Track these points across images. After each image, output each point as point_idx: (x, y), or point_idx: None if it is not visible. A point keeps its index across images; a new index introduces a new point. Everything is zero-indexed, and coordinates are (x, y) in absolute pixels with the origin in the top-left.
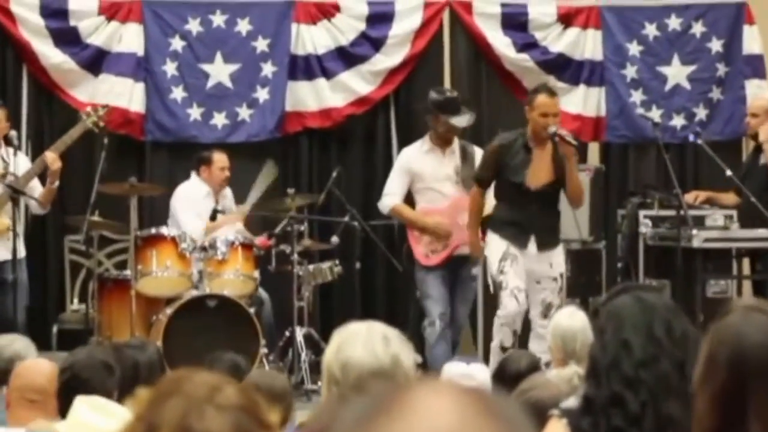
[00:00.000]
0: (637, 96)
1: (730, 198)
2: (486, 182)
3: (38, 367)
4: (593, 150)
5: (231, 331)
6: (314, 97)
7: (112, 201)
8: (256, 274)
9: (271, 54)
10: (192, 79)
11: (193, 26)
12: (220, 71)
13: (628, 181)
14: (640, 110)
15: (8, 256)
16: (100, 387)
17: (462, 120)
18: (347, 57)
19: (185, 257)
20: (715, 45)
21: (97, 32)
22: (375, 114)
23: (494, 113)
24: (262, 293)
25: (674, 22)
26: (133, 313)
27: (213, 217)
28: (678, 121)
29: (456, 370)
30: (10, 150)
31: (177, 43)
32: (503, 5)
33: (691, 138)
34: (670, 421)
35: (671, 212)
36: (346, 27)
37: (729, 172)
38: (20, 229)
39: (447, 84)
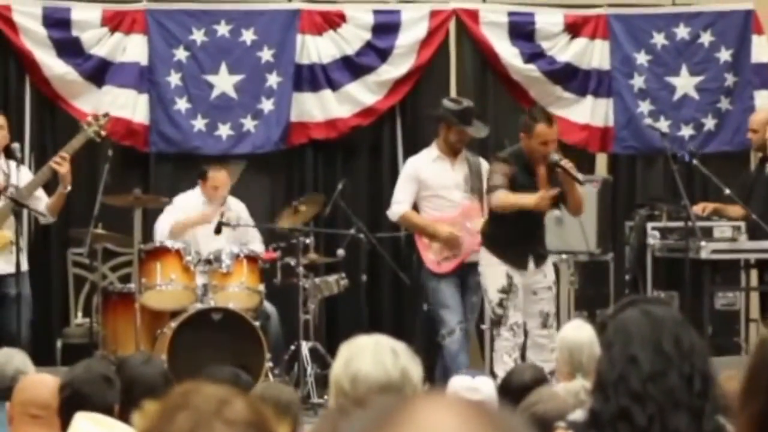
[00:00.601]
0: (645, 106)
1: (738, 210)
2: (507, 188)
3: (42, 382)
4: (601, 161)
5: (236, 345)
6: (320, 108)
7: (116, 213)
8: (262, 287)
9: (276, 64)
10: (196, 90)
11: (198, 36)
12: (224, 82)
13: (636, 192)
14: (648, 121)
15: (11, 270)
16: (101, 401)
17: (478, 131)
18: (353, 67)
19: (189, 270)
20: (724, 55)
21: (101, 43)
22: (381, 125)
23: (501, 123)
24: (268, 306)
25: (682, 32)
26: (138, 327)
27: (218, 230)
28: (686, 132)
29: (461, 383)
30: (12, 163)
31: (181, 54)
32: (510, 14)
33: (686, 158)
34: None
35: (679, 224)
36: (352, 37)
37: (728, 191)
38: (23, 242)
39: (453, 94)
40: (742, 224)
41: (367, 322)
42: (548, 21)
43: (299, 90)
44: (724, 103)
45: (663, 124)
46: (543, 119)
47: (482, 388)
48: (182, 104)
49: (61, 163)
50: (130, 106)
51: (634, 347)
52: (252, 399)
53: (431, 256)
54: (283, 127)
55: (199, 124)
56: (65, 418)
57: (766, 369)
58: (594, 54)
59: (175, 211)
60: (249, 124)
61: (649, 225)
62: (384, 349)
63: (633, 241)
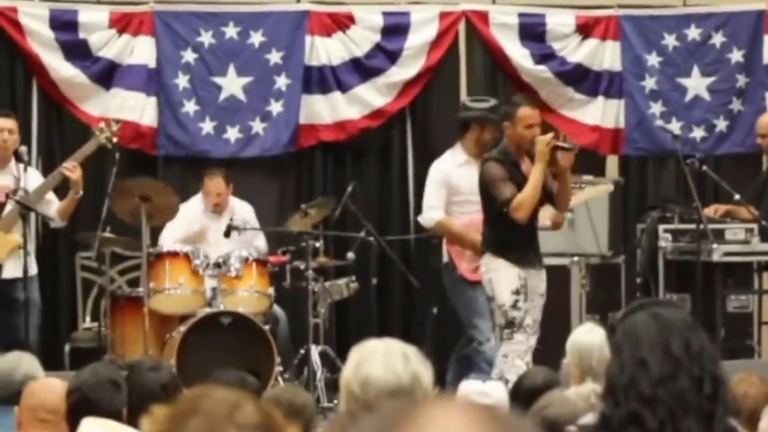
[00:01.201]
0: (656, 108)
1: (750, 211)
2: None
3: (50, 387)
4: (612, 163)
5: (245, 349)
6: (329, 109)
7: None
8: (271, 290)
9: (284, 66)
10: (204, 92)
11: (206, 38)
12: (232, 84)
13: (648, 194)
14: (659, 122)
15: (19, 274)
16: (108, 405)
17: None
18: (362, 69)
19: (198, 274)
20: (735, 55)
21: (108, 45)
22: (390, 127)
23: None
24: (277, 310)
25: (693, 33)
26: (146, 331)
27: (227, 234)
28: (698, 133)
29: (472, 387)
30: (20, 166)
31: (189, 56)
32: (520, 15)
33: (696, 164)
34: None
35: (691, 226)
36: (361, 39)
37: (737, 196)
38: (31, 246)
39: (463, 96)
40: (755, 226)
41: (377, 326)
42: (559, 22)
43: (308, 92)
44: (736, 104)
45: (675, 126)
46: (524, 103)
47: (493, 392)
48: (190, 107)
49: (73, 171)
50: (138, 108)
51: (644, 351)
52: (262, 402)
53: (465, 264)
54: (292, 129)
55: (208, 126)
56: (72, 423)
57: None
58: (605, 55)
59: (177, 221)
60: (258, 126)
61: (661, 227)
62: (395, 353)
63: (644, 244)
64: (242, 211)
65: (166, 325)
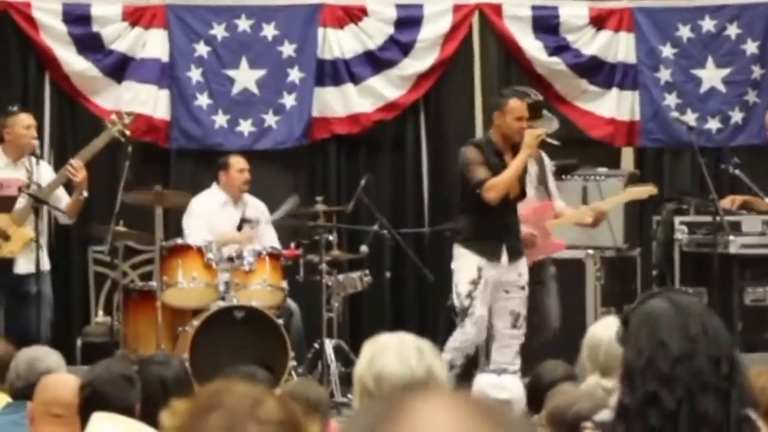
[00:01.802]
0: (671, 99)
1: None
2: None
3: (64, 382)
4: (627, 155)
5: (259, 343)
6: (342, 102)
7: (137, 211)
8: (284, 284)
9: (297, 59)
10: (217, 86)
11: (218, 31)
12: (245, 77)
13: (663, 186)
14: (674, 114)
15: (32, 269)
16: (120, 400)
17: (552, 124)
18: (375, 61)
19: (211, 268)
20: (750, 47)
21: (121, 38)
22: (404, 120)
23: None
24: (291, 304)
25: (708, 24)
26: (159, 325)
27: (240, 227)
28: (713, 125)
29: (488, 381)
30: (32, 160)
31: (202, 49)
32: (534, 8)
33: (731, 169)
34: (705, 418)
35: (707, 218)
36: (374, 31)
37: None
38: (44, 240)
39: (477, 89)
40: None
41: (390, 319)
42: (572, 14)
43: (321, 85)
44: (752, 96)
45: (690, 117)
46: (514, 95)
47: (509, 385)
48: (203, 100)
49: (76, 172)
50: (150, 102)
51: (662, 333)
52: (283, 398)
53: None
54: (305, 122)
55: (221, 120)
56: (85, 418)
57: None
58: (619, 47)
59: (200, 217)
60: (271, 119)
61: (677, 219)
62: (409, 347)
63: (660, 236)
64: (256, 208)
65: (178, 319)
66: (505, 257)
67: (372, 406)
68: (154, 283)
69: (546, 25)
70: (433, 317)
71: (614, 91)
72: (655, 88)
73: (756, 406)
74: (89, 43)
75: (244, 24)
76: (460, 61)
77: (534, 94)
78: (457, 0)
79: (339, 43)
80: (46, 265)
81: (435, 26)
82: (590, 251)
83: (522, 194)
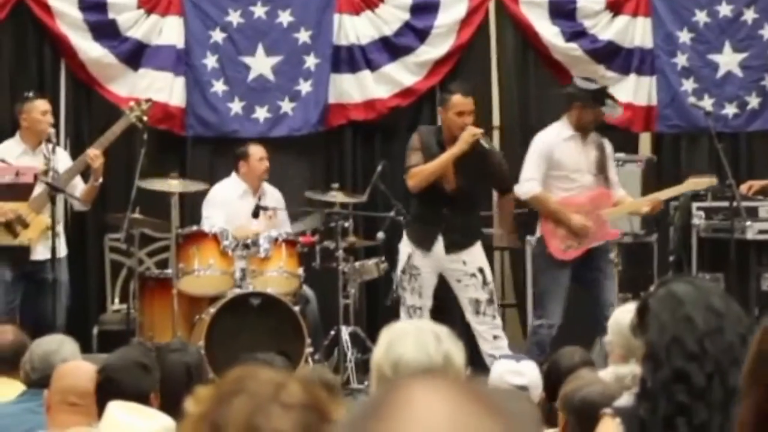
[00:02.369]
0: (688, 84)
1: None
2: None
3: (80, 370)
4: (644, 140)
5: (275, 330)
6: (358, 88)
7: (153, 198)
8: (301, 271)
9: (313, 46)
10: (233, 72)
11: (234, 18)
12: (261, 64)
13: (681, 171)
14: (691, 99)
15: (48, 256)
16: (135, 388)
17: (615, 111)
18: (391, 48)
19: (227, 255)
20: (767, 32)
21: (137, 25)
22: (420, 106)
23: (542, 104)
24: (307, 291)
25: (725, 9)
26: (175, 313)
27: (255, 214)
28: (730, 110)
29: (505, 366)
30: (49, 147)
31: (217, 36)
32: None
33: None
34: (736, 393)
35: (724, 203)
36: (390, 17)
37: None
38: (60, 227)
39: (494, 75)
40: None
41: None
42: None
43: (337, 71)
44: None
45: (707, 102)
46: (459, 90)
47: (526, 371)
48: (219, 87)
49: (95, 159)
50: (166, 89)
51: (687, 309)
52: (307, 381)
53: (557, 242)
54: (321, 108)
55: (236, 106)
56: (100, 406)
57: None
58: (636, 32)
59: (220, 205)
60: (286, 106)
61: (694, 205)
62: (426, 334)
63: (677, 222)
64: (272, 196)
65: (195, 306)
66: (439, 247)
67: (373, 393)
68: (170, 271)
69: (563, 10)
70: (450, 304)
71: (632, 76)
72: (672, 73)
73: None
74: (105, 30)
75: (259, 11)
76: (477, 47)
77: (599, 79)
78: None
79: (355, 30)
80: (62, 251)
81: (451, 12)
82: None
83: (475, 183)
